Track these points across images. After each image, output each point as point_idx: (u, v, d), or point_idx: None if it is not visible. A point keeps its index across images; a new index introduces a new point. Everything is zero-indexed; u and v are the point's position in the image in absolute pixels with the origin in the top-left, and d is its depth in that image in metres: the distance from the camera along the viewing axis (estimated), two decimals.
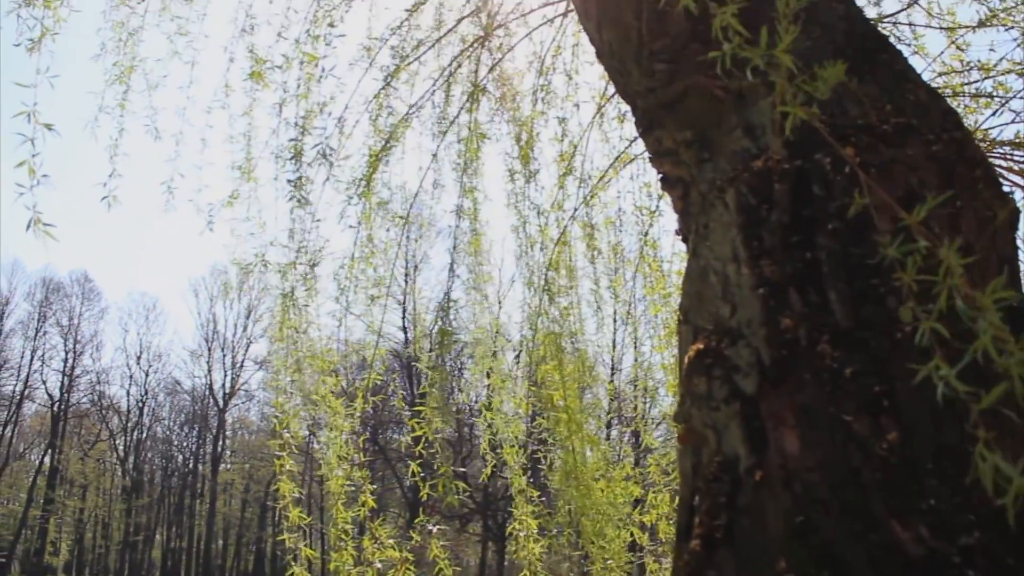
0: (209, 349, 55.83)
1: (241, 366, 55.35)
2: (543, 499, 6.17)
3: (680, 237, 2.25)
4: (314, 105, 4.39)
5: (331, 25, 4.16)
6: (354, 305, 5.20)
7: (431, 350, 5.42)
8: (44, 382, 54.60)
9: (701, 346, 1.70)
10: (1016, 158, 3.63)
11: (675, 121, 2.16)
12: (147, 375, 57.75)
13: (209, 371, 55.77)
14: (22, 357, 53.52)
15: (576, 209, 5.30)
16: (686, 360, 1.73)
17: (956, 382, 1.25)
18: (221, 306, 55.90)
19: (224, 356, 55.61)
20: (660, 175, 2.28)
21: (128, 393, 57.69)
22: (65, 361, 54.75)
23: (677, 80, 2.20)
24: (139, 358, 57.58)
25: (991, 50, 3.85)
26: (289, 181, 4.50)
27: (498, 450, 5.81)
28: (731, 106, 2.10)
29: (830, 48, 2.12)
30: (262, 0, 4.50)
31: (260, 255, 4.86)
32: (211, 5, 4.46)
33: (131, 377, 57.34)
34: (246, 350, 55.03)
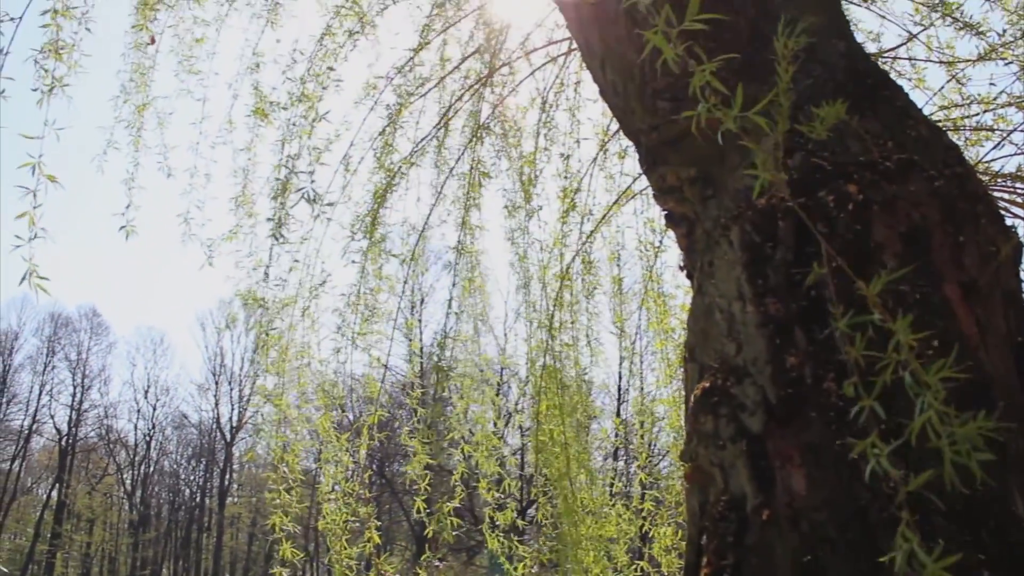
0: (216, 383, 55.88)
1: (248, 400, 55.24)
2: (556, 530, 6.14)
3: (685, 273, 2.26)
4: (315, 143, 4.44)
5: (330, 68, 4.23)
6: (359, 340, 5.20)
7: (435, 383, 5.42)
8: (52, 416, 54.61)
9: (707, 384, 1.70)
10: (1018, 191, 3.64)
11: (678, 158, 2.17)
12: (154, 409, 57.78)
13: (216, 405, 55.77)
14: (30, 392, 53.63)
15: (581, 245, 5.32)
16: (692, 398, 1.74)
17: (886, 463, 1.26)
18: (228, 340, 56.02)
19: (231, 390, 55.63)
20: (664, 212, 2.29)
21: (135, 427, 57.67)
22: (73, 395, 54.79)
23: (680, 118, 2.22)
24: (147, 392, 57.62)
25: (991, 84, 3.87)
26: (269, 219, 4.55)
27: (473, 483, 5.80)
28: (734, 143, 2.11)
29: (831, 85, 2.13)
30: (269, 39, 4.56)
31: (252, 292, 4.87)
32: (219, 43, 4.53)
33: (139, 411, 57.35)
34: (253, 383, 54.91)
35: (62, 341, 55.77)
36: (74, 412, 54.45)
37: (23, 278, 2.67)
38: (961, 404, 1.60)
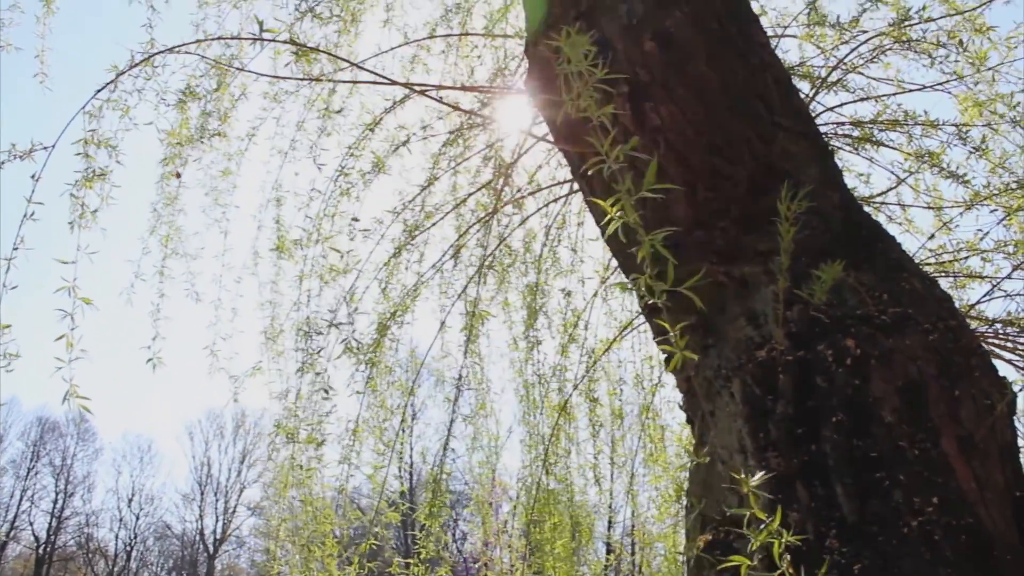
0: (202, 493, 54.75)
1: (234, 511, 54.14)
2: None
3: (685, 418, 2.29)
4: (327, 276, 4.54)
5: (336, 212, 4.41)
6: (360, 467, 5.18)
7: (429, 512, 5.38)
8: (31, 523, 53.20)
9: (710, 537, 1.71)
10: (1010, 336, 3.71)
11: (679, 306, 2.23)
12: (137, 518, 56.29)
13: (200, 516, 54.49)
14: (11, 497, 52.39)
15: (580, 380, 5.35)
16: (695, 551, 1.74)
17: None
18: (216, 450, 55.17)
19: (216, 501, 54.48)
20: (665, 356, 2.33)
21: (116, 536, 56.08)
22: (55, 502, 53.49)
23: (681, 265, 2.28)
24: (130, 501, 56.25)
25: (979, 229, 3.99)
26: (297, 365, 4.62)
27: None
28: (734, 293, 2.17)
29: (827, 236, 2.21)
30: (288, 172, 4.74)
31: (280, 423, 4.90)
32: (240, 176, 4.69)
33: (121, 520, 55.87)
34: (239, 495, 53.97)
35: (48, 446, 54.87)
36: (54, 519, 53.16)
37: (64, 398, 2.69)
38: (962, 564, 1.61)
